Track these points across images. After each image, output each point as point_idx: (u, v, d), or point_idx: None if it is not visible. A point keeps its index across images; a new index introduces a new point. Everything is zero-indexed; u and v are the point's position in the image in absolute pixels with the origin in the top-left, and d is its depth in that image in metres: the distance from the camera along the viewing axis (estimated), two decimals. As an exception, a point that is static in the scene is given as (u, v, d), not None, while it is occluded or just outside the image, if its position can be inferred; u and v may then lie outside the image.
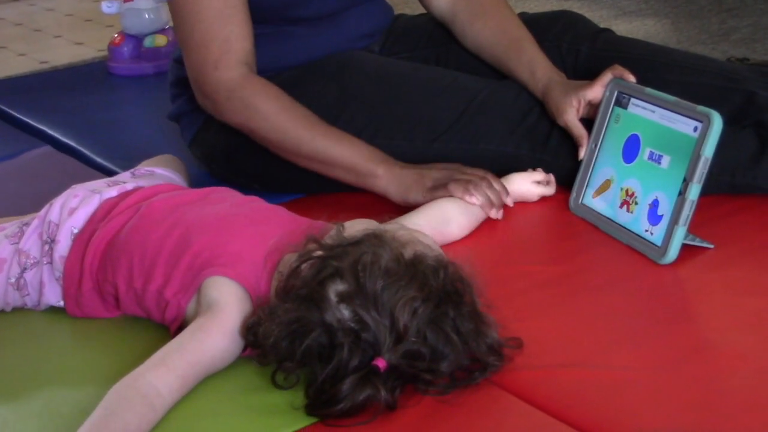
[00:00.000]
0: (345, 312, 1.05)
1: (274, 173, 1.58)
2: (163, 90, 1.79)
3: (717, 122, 1.33)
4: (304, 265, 1.10)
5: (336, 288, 1.06)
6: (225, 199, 1.32)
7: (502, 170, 1.60)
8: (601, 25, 1.75)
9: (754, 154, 1.50)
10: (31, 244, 1.32)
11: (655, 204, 1.39)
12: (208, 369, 1.11)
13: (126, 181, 1.41)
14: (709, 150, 1.33)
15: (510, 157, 1.58)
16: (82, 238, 1.28)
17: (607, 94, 1.50)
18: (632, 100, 1.47)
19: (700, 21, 2.99)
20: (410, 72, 1.64)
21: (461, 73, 1.66)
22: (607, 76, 1.50)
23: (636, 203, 1.43)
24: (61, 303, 1.31)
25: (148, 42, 2.45)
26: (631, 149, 1.46)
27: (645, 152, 1.43)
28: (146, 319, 1.25)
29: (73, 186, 1.37)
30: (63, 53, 3.14)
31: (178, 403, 1.07)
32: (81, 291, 1.27)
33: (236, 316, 1.14)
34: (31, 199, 1.54)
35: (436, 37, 1.77)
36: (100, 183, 1.39)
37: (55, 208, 1.32)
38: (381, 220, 1.25)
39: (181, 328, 1.17)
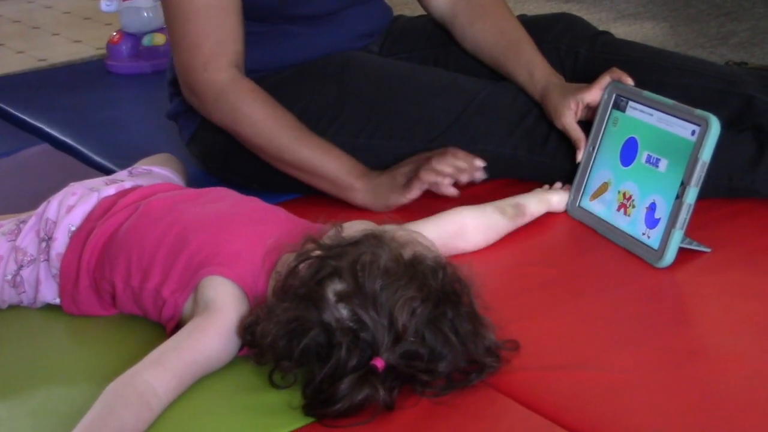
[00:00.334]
0: (343, 311, 1.05)
1: (272, 173, 1.58)
2: (161, 89, 1.79)
3: (715, 126, 1.33)
4: (302, 265, 1.11)
5: (334, 287, 1.06)
6: (223, 199, 1.32)
7: (499, 172, 1.60)
8: (600, 28, 1.75)
9: (752, 158, 1.50)
10: (28, 241, 1.32)
11: (652, 207, 1.39)
12: (204, 368, 1.11)
13: (124, 179, 1.41)
14: (706, 154, 1.34)
15: (508, 158, 1.58)
16: (80, 236, 1.28)
17: (605, 96, 1.50)
18: (630, 103, 1.47)
19: (698, 25, 3.00)
20: (409, 72, 1.64)
21: (460, 74, 1.66)
22: (605, 79, 1.50)
23: (633, 206, 1.43)
24: (58, 300, 1.31)
25: (146, 40, 2.45)
26: (628, 152, 1.46)
27: (643, 155, 1.43)
28: (143, 317, 1.25)
29: (71, 184, 1.37)
30: (61, 51, 3.13)
31: (174, 403, 1.07)
32: (78, 289, 1.27)
33: (233, 316, 1.14)
34: (28, 197, 1.53)
35: (435, 38, 1.77)
36: (98, 181, 1.40)
37: (52, 206, 1.32)
38: (380, 222, 1.25)
39: (177, 326, 1.17)
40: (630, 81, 1.49)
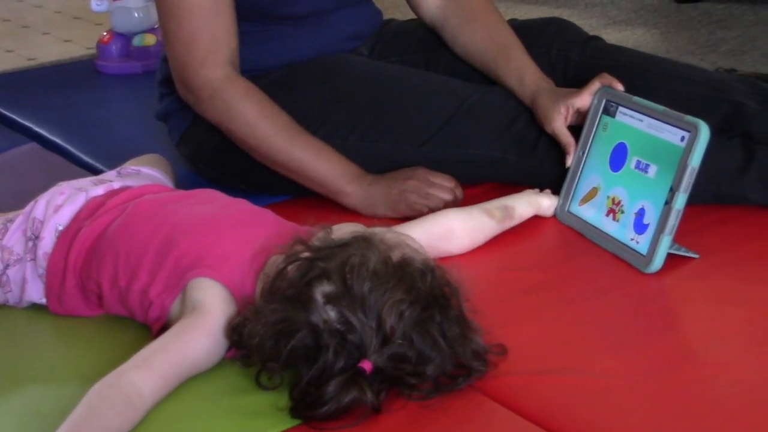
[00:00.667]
0: (331, 313, 1.05)
1: (262, 174, 1.58)
2: (151, 89, 1.78)
3: (704, 132, 1.34)
4: (290, 267, 1.10)
5: (323, 289, 1.06)
6: (212, 201, 1.31)
7: (489, 176, 1.60)
8: (591, 34, 1.75)
9: (741, 165, 1.51)
10: (14, 240, 1.31)
11: (641, 213, 1.39)
12: (190, 370, 1.11)
13: (112, 179, 1.40)
14: (696, 160, 1.34)
15: (498, 162, 1.58)
16: (67, 236, 1.28)
17: (596, 102, 1.51)
18: (620, 108, 1.47)
19: (689, 32, 3.01)
20: (399, 76, 1.64)
21: (450, 78, 1.66)
22: (595, 85, 1.51)
23: (622, 212, 1.43)
24: (44, 300, 1.30)
25: (137, 41, 2.45)
26: (618, 158, 1.46)
27: (632, 161, 1.44)
28: (129, 318, 1.25)
29: (59, 183, 1.37)
30: (51, 50, 3.12)
31: (160, 405, 1.07)
32: (64, 288, 1.27)
33: (221, 318, 1.14)
34: (15, 196, 1.53)
35: (426, 41, 1.77)
36: (87, 181, 1.39)
37: (40, 205, 1.32)
38: (370, 225, 1.25)
39: (164, 328, 1.16)
40: (620, 86, 1.49)
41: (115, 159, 1.66)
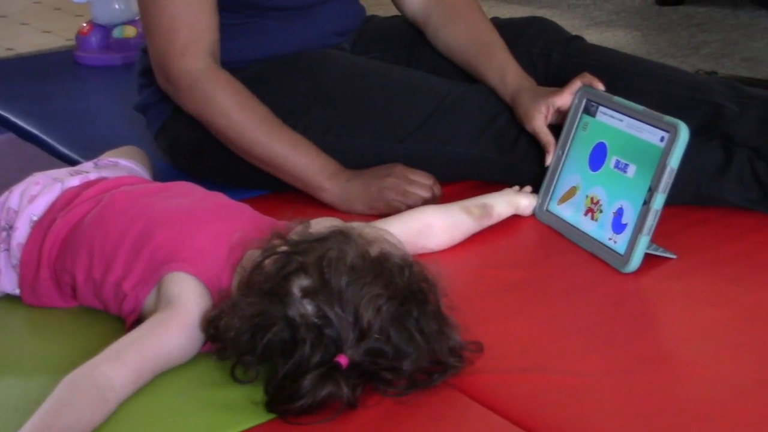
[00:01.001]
0: (308, 307, 1.04)
1: (240, 168, 1.57)
2: (130, 81, 1.77)
3: (684, 133, 1.34)
4: (268, 260, 1.10)
5: (300, 283, 1.05)
6: (188, 194, 1.30)
7: (469, 173, 1.60)
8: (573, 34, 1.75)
9: (720, 167, 1.51)
10: (-12, 230, 1.30)
11: (619, 212, 1.40)
12: (164, 364, 1.10)
13: (89, 171, 1.39)
14: (674, 160, 1.34)
15: (477, 160, 1.58)
16: (41, 226, 1.26)
17: (576, 101, 1.51)
18: (600, 108, 1.47)
19: (669, 34, 3.02)
20: (380, 71, 1.63)
21: (431, 75, 1.66)
22: (576, 84, 1.51)
23: (601, 211, 1.43)
24: (17, 291, 1.29)
25: (117, 33, 2.43)
26: (597, 157, 1.46)
27: (611, 160, 1.44)
28: (103, 310, 1.23)
29: (35, 174, 1.36)
30: (30, 41, 3.10)
31: (134, 398, 1.06)
32: (38, 279, 1.25)
33: (196, 312, 1.13)
34: (-9, 186, 1.51)
35: (408, 38, 1.77)
36: (63, 172, 1.38)
37: (14, 195, 1.31)
38: (348, 220, 1.24)
39: (137, 321, 1.15)
40: (601, 86, 1.50)
41: (92, 150, 1.65)
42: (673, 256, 1.39)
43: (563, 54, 1.68)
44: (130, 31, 2.42)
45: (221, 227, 1.21)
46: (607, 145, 1.45)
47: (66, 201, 1.29)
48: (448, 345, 1.08)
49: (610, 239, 1.39)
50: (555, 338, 1.21)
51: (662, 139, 1.36)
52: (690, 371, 1.15)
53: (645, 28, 3.12)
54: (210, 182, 1.48)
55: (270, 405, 1.05)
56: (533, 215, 1.52)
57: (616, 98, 1.46)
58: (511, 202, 1.49)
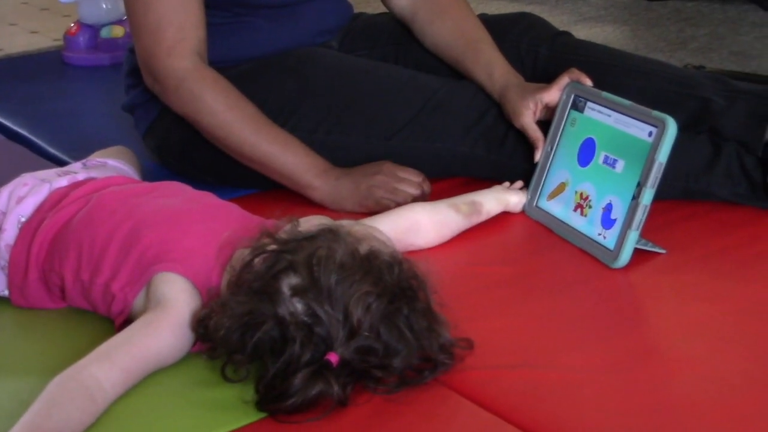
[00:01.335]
0: (298, 305, 1.04)
1: (229, 167, 1.57)
2: (118, 81, 1.77)
3: (672, 127, 1.34)
4: (257, 259, 1.09)
5: (289, 281, 1.05)
6: (177, 194, 1.30)
7: (457, 170, 1.60)
8: (561, 30, 1.75)
9: (708, 161, 1.52)
10: (-24, 232, 1.29)
11: (608, 208, 1.40)
12: (154, 364, 1.10)
13: (77, 171, 1.39)
14: (663, 155, 1.34)
15: (466, 157, 1.58)
16: (30, 227, 1.26)
17: (564, 97, 1.51)
18: (588, 103, 1.48)
19: (658, 29, 3.02)
20: (368, 69, 1.63)
21: (419, 72, 1.66)
22: (564, 80, 1.51)
23: (590, 207, 1.43)
24: (6, 292, 1.28)
25: (104, 33, 2.43)
26: (586, 153, 1.46)
27: (600, 156, 1.44)
28: (92, 311, 1.23)
29: (23, 174, 1.35)
30: (17, 41, 3.09)
31: (124, 398, 1.06)
32: (26, 281, 1.25)
33: (185, 312, 1.12)
34: (-22, 188, 1.50)
35: (396, 35, 1.76)
36: (51, 172, 1.37)
37: (2, 196, 1.30)
38: (337, 218, 1.24)
39: (126, 322, 1.15)
40: (588, 82, 1.50)
41: (81, 151, 1.64)
42: (663, 251, 1.39)
43: (551, 50, 1.68)
44: (118, 31, 2.42)
45: (210, 227, 1.21)
46: (596, 141, 1.45)
47: (54, 202, 1.28)
48: (438, 342, 1.08)
49: (599, 235, 1.40)
50: (545, 334, 1.21)
51: (650, 134, 1.36)
52: (680, 366, 1.15)
53: (633, 23, 3.12)
54: (199, 182, 1.48)
55: (260, 404, 1.04)
56: (523, 212, 1.52)
57: (604, 94, 1.46)
58: (501, 199, 1.49)
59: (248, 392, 1.06)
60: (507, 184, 1.54)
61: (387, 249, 1.10)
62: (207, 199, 1.30)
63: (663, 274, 1.35)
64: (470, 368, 1.11)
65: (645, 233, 1.37)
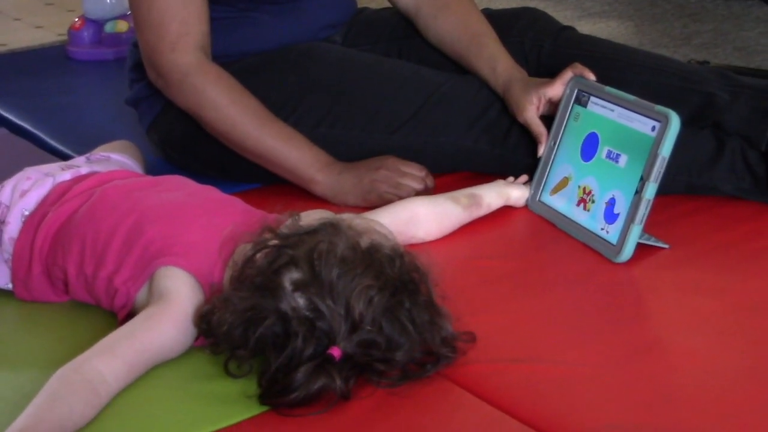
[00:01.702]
0: (300, 300, 1.04)
1: (232, 161, 1.57)
2: (122, 76, 1.77)
3: (675, 122, 1.34)
4: (259, 254, 1.10)
5: (291, 276, 1.05)
6: (180, 188, 1.30)
7: (461, 165, 1.61)
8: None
9: (712, 156, 1.51)
10: (-20, 226, 1.30)
11: (611, 202, 1.40)
12: (156, 358, 1.10)
13: (80, 165, 1.39)
14: (666, 150, 1.34)
15: (469, 151, 1.58)
16: (33, 221, 1.26)
17: (567, 92, 1.51)
18: (592, 98, 1.47)
19: (662, 25, 3.02)
20: (372, 63, 1.63)
21: (423, 66, 1.65)
22: (567, 74, 1.51)
23: (593, 201, 1.43)
24: (10, 286, 1.29)
25: (109, 27, 2.43)
26: (589, 147, 1.46)
27: (603, 151, 1.44)
28: (95, 305, 1.23)
29: (26, 168, 1.35)
30: (22, 36, 3.09)
31: (128, 391, 1.06)
32: (30, 274, 1.25)
33: (188, 306, 1.13)
34: (-17, 182, 1.51)
35: (399, 30, 1.76)
36: (54, 166, 1.38)
37: (6, 190, 1.30)
38: (338, 212, 1.24)
39: (129, 315, 1.15)
40: (592, 76, 1.49)
41: (85, 145, 1.64)
42: (666, 246, 1.39)
43: (554, 45, 1.68)
44: (122, 26, 2.42)
45: (213, 221, 1.21)
46: (599, 136, 1.45)
47: (58, 195, 1.29)
48: (440, 335, 1.08)
49: (602, 229, 1.40)
50: (547, 328, 1.21)
51: (653, 128, 1.36)
52: (682, 361, 1.15)
53: (637, 18, 3.12)
54: (202, 176, 1.49)
55: (263, 398, 1.04)
56: (526, 206, 1.52)
57: (608, 88, 1.46)
58: (501, 192, 1.49)
59: (251, 386, 1.06)
60: (511, 178, 1.54)
61: (388, 242, 1.10)
62: (210, 193, 1.30)
63: (666, 268, 1.35)
64: (473, 362, 1.11)
65: (648, 228, 1.37)
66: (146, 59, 1.54)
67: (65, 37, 2.52)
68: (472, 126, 1.58)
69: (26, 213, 1.28)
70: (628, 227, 1.35)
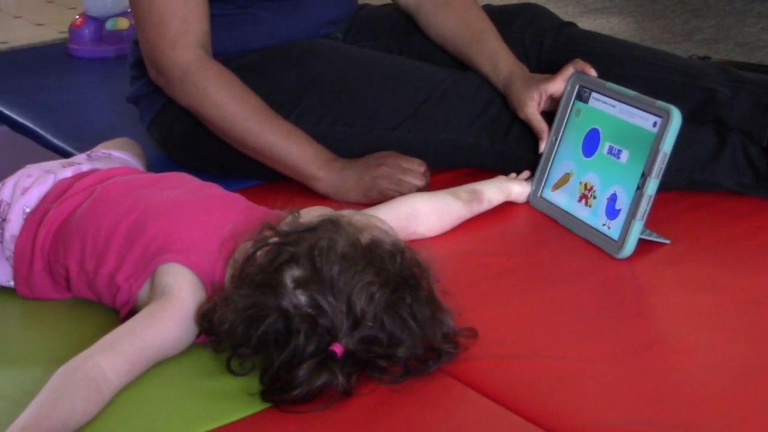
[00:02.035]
0: (301, 297, 1.04)
1: (233, 158, 1.57)
2: (123, 73, 1.77)
3: (676, 118, 1.34)
4: (259, 252, 1.10)
5: (292, 273, 1.05)
6: (181, 185, 1.30)
7: (462, 161, 1.60)
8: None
9: (713, 151, 1.51)
10: (-19, 223, 1.30)
11: (613, 198, 1.40)
12: (158, 355, 1.10)
13: (82, 162, 1.39)
14: (667, 145, 1.34)
15: (470, 148, 1.58)
16: (34, 218, 1.26)
17: (569, 88, 1.50)
18: (593, 94, 1.47)
19: (663, 21, 3.02)
20: (373, 60, 1.63)
21: (424, 63, 1.65)
22: (568, 70, 1.51)
23: (594, 197, 1.43)
24: (11, 283, 1.29)
25: (109, 25, 2.43)
26: (590, 143, 1.46)
27: (604, 146, 1.44)
28: (97, 302, 1.23)
29: (27, 166, 1.36)
30: (23, 34, 3.10)
31: (130, 387, 1.06)
32: (32, 271, 1.25)
33: (190, 303, 1.13)
34: (-16, 179, 1.51)
35: (400, 26, 1.76)
36: (55, 164, 1.38)
37: (7, 187, 1.31)
38: (338, 208, 1.24)
39: (131, 312, 1.15)
40: (593, 72, 1.49)
41: (86, 142, 1.65)
42: (667, 242, 1.39)
43: (556, 40, 1.68)
44: (123, 23, 2.42)
45: (214, 218, 1.21)
46: (600, 131, 1.45)
47: (59, 192, 1.29)
48: (442, 331, 1.08)
49: (604, 225, 1.39)
50: (549, 324, 1.21)
51: (655, 124, 1.36)
52: (684, 356, 1.15)
53: (638, 14, 3.11)
54: (203, 173, 1.48)
55: (266, 395, 1.05)
56: (527, 202, 1.52)
57: (609, 84, 1.46)
58: (503, 188, 1.49)
59: (253, 383, 1.06)
60: (513, 175, 1.54)
61: (389, 238, 1.10)
62: (211, 190, 1.30)
63: (667, 264, 1.35)
64: (474, 358, 1.11)
65: (649, 224, 1.37)
66: (147, 57, 1.54)
67: (66, 35, 2.52)
68: (474, 122, 1.58)
69: (27, 210, 1.28)
70: (630, 223, 1.35)
